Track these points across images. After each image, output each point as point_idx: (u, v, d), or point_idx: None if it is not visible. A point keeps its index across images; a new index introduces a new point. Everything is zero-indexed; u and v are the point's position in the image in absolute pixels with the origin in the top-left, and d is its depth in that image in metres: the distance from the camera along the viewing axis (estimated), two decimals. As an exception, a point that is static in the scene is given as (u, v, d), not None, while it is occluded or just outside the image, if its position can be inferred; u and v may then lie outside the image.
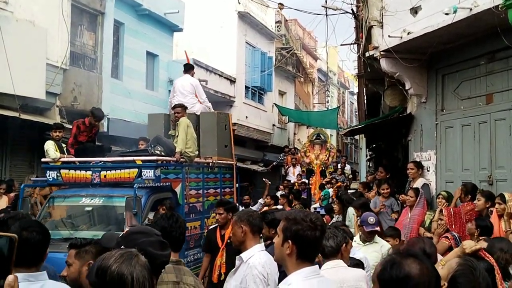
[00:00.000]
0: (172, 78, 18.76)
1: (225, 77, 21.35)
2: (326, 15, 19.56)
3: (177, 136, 9.41)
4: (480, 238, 5.68)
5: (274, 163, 23.11)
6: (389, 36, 9.58)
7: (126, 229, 5.42)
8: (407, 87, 10.38)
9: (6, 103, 11.32)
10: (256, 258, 4.25)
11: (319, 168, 18.39)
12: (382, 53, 9.90)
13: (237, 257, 4.50)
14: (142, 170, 8.38)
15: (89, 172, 8.63)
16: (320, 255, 4.29)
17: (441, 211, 7.51)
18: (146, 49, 17.73)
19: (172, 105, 10.66)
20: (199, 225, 9.61)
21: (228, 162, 11.09)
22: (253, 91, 24.39)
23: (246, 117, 23.08)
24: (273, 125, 26.54)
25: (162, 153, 9.13)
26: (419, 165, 9.47)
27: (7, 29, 11.28)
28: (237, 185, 11.36)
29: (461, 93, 9.65)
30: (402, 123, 11.22)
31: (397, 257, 2.23)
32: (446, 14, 8.07)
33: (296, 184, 17.83)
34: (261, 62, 24.38)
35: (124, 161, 8.74)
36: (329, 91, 41.22)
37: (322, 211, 13.07)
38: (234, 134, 21.90)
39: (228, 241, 6.68)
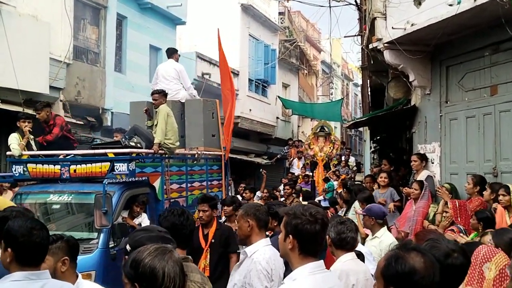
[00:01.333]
0: (176, 71, 18.78)
1: (228, 70, 21.27)
2: (330, 6, 19.48)
3: (156, 125, 8.78)
4: (486, 231, 5.67)
5: (278, 156, 23.12)
6: (392, 27, 9.53)
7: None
8: (411, 79, 10.34)
9: (10, 97, 11.34)
10: (261, 253, 4.23)
11: (323, 160, 18.37)
12: (385, 45, 9.86)
13: (241, 251, 4.51)
14: (115, 164, 7.65)
15: (58, 167, 7.82)
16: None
17: (446, 203, 7.49)
18: (149, 43, 17.71)
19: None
20: None
21: (216, 153, 10.48)
22: (257, 84, 24.36)
23: (250, 110, 23.07)
24: (277, 117, 26.51)
25: (138, 145, 8.58)
26: (422, 157, 9.43)
27: (10, 24, 11.28)
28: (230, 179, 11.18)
29: (465, 85, 9.60)
30: (406, 115, 11.17)
31: (400, 251, 2.23)
32: (450, 5, 8.04)
33: (300, 176, 17.82)
34: (264, 55, 24.34)
35: (95, 154, 7.99)
36: (333, 83, 41.15)
37: (326, 204, 13.07)
38: (237, 127, 22.19)
39: (212, 240, 6.43)
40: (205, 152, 9.93)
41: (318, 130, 19.19)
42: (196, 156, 9.72)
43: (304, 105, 27.59)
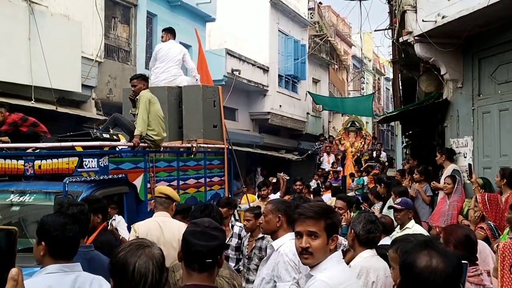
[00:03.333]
0: (206, 68, 18.90)
1: (258, 66, 21.34)
2: (360, 0, 19.41)
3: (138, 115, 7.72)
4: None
5: (309, 152, 23.09)
6: (423, 20, 9.46)
7: None
8: (442, 72, 10.25)
9: (43, 96, 11.58)
10: (287, 246, 4.28)
11: (354, 156, 18.29)
12: (416, 38, 9.80)
13: (268, 245, 4.56)
14: (83, 159, 6.62)
15: (21, 162, 6.80)
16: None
17: (476, 199, 7.42)
18: (179, 40, 17.76)
19: (155, 76, 9.37)
20: None
21: (218, 145, 9.37)
22: (287, 79, 24.35)
23: (280, 106, 23.09)
24: (307, 113, 26.46)
25: (114, 137, 7.56)
26: (445, 152, 9.35)
27: (43, 23, 11.51)
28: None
29: (498, 77, 9.48)
30: (438, 109, 11.09)
31: (417, 245, 2.30)
32: (481, -4, 7.95)
33: (331, 172, 17.79)
34: (294, 50, 24.30)
35: (61, 148, 7.01)
36: (364, 78, 40.89)
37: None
38: (267, 123, 22.23)
39: None
40: (203, 145, 8.83)
41: (349, 125, 19.17)
42: (191, 149, 8.59)
43: (334, 100, 27.50)
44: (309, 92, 25.52)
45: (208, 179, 8.90)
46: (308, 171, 22.95)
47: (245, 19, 21.43)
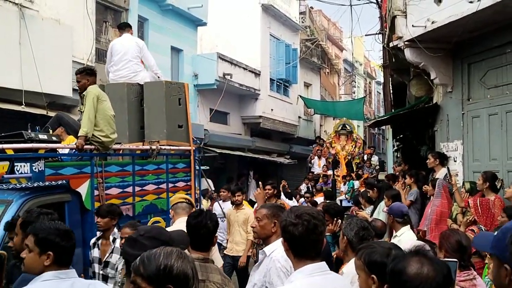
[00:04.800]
0: (197, 72, 18.90)
1: (249, 70, 21.36)
2: (351, 5, 19.43)
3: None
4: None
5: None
6: (413, 25, 9.50)
7: None
8: (432, 77, 10.29)
9: (33, 100, 11.50)
10: (279, 252, 4.25)
11: (345, 159, 18.30)
12: (406, 43, 9.84)
13: (260, 251, 4.53)
14: (15, 164, 5.79)
15: None
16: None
17: (468, 203, 7.44)
18: (171, 44, 17.83)
19: (110, 74, 8.56)
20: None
21: (183, 147, 8.43)
22: (278, 83, 24.37)
23: (272, 109, 23.10)
24: (299, 117, 26.49)
25: (54, 138, 6.82)
26: (438, 156, 9.35)
27: (33, 27, 11.45)
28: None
29: (487, 82, 9.52)
30: (428, 113, 11.12)
31: (408, 253, 2.27)
32: (471, 2, 8.00)
33: (321, 176, 17.81)
34: (285, 54, 24.34)
35: None
36: (355, 82, 40.97)
37: (348, 204, 13.03)
38: (259, 127, 22.22)
39: None
40: (165, 147, 7.93)
41: (340, 128, 19.16)
42: (150, 152, 7.67)
43: (326, 104, 27.55)
44: (300, 96, 25.54)
45: (171, 185, 7.95)
46: (300, 175, 22.97)
47: (236, 23, 21.44)
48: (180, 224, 5.31)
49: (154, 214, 7.34)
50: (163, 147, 7.89)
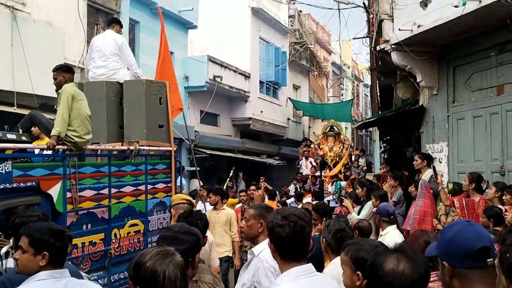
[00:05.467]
0: (188, 74, 18.86)
1: (239, 73, 21.35)
2: (339, 9, 19.46)
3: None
4: (496, 228, 5.67)
5: None
6: (399, 29, 9.54)
7: None
8: (418, 80, 10.34)
9: (25, 102, 11.43)
10: (267, 252, 4.24)
11: (332, 160, 18.31)
12: (393, 46, 9.89)
13: (248, 251, 4.52)
14: None
15: None
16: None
17: (453, 203, 7.47)
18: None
19: (89, 72, 8.09)
20: (102, 240, 6.45)
21: (163, 148, 7.93)
22: (268, 86, 24.39)
23: (261, 111, 23.10)
24: (288, 119, 26.53)
25: (23, 137, 6.51)
26: (425, 157, 9.39)
27: (25, 30, 11.39)
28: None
29: (472, 85, 9.59)
30: (414, 115, 11.17)
31: (386, 250, 2.28)
32: (456, 6, 8.04)
33: (309, 176, 17.81)
34: (275, 57, 24.36)
35: None
36: (343, 84, 41.05)
37: (336, 205, 13.03)
38: (248, 128, 22.21)
39: None
40: (144, 147, 7.44)
41: (328, 130, 19.15)
42: (127, 152, 7.19)
43: (314, 106, 27.58)
44: (289, 98, 25.57)
45: (150, 186, 7.44)
46: (289, 176, 22.98)
47: (226, 26, 21.44)
48: None
49: (131, 216, 6.98)
50: (142, 147, 7.41)
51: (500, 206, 6.53)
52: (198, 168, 18.33)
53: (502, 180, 8.15)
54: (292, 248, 2.90)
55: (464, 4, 7.85)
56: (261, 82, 23.52)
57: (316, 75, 33.61)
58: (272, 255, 3.03)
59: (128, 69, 8.19)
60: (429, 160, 9.43)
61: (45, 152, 6.14)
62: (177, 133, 17.10)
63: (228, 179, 17.36)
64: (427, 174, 8.86)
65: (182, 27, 18.91)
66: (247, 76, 21.93)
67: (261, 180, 13.81)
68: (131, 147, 7.19)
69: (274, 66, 24.20)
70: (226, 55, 20.64)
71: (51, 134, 6.15)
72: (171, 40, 18.15)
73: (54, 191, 5.84)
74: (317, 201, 9.62)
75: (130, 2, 15.47)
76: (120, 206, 6.77)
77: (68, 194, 5.97)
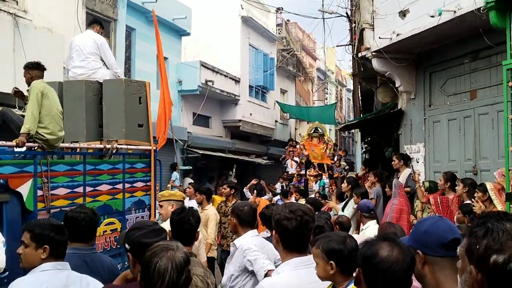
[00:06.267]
0: (181, 78, 18.80)
1: (230, 77, 21.32)
2: (323, 18, 19.54)
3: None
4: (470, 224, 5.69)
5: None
6: (379, 37, 9.57)
7: None
8: (397, 85, 10.38)
9: (27, 104, 11.35)
10: (247, 241, 4.32)
11: (317, 159, 18.28)
12: (373, 53, 9.91)
13: (231, 243, 4.57)
14: None
15: None
16: None
17: (429, 200, 7.49)
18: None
19: (69, 72, 7.66)
20: None
21: (142, 147, 7.37)
22: (257, 90, 24.37)
23: (251, 114, 23.09)
24: (276, 121, 26.53)
25: None
26: (403, 157, 9.42)
27: (27, 36, 11.29)
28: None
29: (447, 90, 9.63)
30: (393, 118, 11.21)
31: (376, 239, 2.29)
32: (432, 16, 8.07)
33: (295, 175, 17.82)
34: (263, 63, 24.35)
35: None
36: (327, 89, 41.10)
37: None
38: (238, 130, 22.19)
39: None
40: (122, 146, 6.93)
41: (312, 131, 19.15)
42: (104, 150, 6.68)
43: (300, 109, 27.59)
44: (277, 102, 25.56)
45: (128, 185, 6.95)
46: (277, 174, 22.98)
47: (218, 33, 21.40)
48: None
49: (108, 215, 6.55)
50: (119, 146, 6.87)
51: (469, 201, 6.56)
52: (191, 167, 18.41)
53: (474, 178, 8.18)
54: (296, 240, 2.95)
55: (440, 14, 7.88)
56: (250, 86, 23.50)
57: (302, 80, 33.63)
58: (274, 245, 3.07)
59: (108, 68, 7.76)
60: (406, 160, 9.46)
61: (16, 149, 5.63)
62: (170, 133, 17.08)
63: (233, 177, 17.34)
64: (405, 173, 8.90)
65: (176, 34, 18.84)
66: (237, 81, 21.90)
67: (253, 182, 13.69)
68: (108, 146, 6.69)
69: (263, 71, 24.19)
70: (217, 61, 20.61)
71: (20, 132, 5.67)
72: (166, 46, 18.08)
73: (24, 189, 5.40)
74: (309, 197, 9.71)
75: (126, 10, 15.37)
76: (96, 205, 6.19)
77: (40, 192, 5.50)
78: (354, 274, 2.24)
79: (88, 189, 6.20)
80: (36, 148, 5.71)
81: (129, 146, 7.07)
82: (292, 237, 2.94)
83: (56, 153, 6.07)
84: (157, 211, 6.22)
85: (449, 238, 2.15)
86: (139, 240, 2.94)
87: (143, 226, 3.11)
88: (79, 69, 7.48)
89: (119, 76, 7.81)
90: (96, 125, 7.19)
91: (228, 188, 8.98)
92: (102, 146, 6.68)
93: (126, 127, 7.07)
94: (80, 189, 6.10)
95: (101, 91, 7.25)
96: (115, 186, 6.71)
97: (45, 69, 6.15)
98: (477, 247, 1.60)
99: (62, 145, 6.12)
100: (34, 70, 6.09)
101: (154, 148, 7.49)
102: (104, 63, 7.70)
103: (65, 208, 5.49)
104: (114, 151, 6.71)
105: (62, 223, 3.63)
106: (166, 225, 5.26)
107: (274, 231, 3.00)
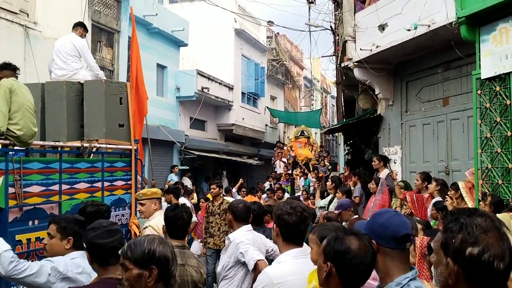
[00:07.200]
0: (179, 86, 18.77)
1: (224, 85, 21.31)
2: (310, 31, 19.61)
3: None
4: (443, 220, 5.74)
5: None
6: (360, 49, 9.60)
7: None
8: (376, 92, 10.41)
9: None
10: (240, 235, 4.32)
11: (302, 161, 18.28)
12: (355, 63, 9.94)
13: (226, 237, 4.58)
14: None
15: None
16: None
17: (405, 198, 7.52)
18: (156, 62, 17.68)
19: (51, 73, 7.29)
20: None
21: (122, 146, 6.86)
22: (248, 96, 24.36)
23: (243, 118, 23.08)
24: (266, 125, 26.52)
25: None
26: (382, 158, 9.45)
27: (36, 46, 11.25)
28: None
29: (422, 97, 9.68)
30: (373, 123, 11.24)
31: (341, 234, 2.25)
32: (409, 30, 8.12)
33: (283, 175, 17.82)
34: (255, 72, 24.35)
35: None
36: (313, 96, 41.15)
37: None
38: (232, 133, 22.17)
39: None
40: (100, 145, 6.52)
41: (299, 134, 19.18)
42: (81, 149, 6.19)
43: (288, 114, 27.61)
44: (267, 107, 25.57)
45: (107, 183, 6.50)
46: (267, 174, 22.98)
47: (213, 44, 21.40)
48: (160, 216, 5.09)
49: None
50: (97, 145, 6.44)
51: (440, 198, 6.62)
52: (188, 167, 18.38)
53: (446, 178, 8.24)
54: (295, 233, 3.00)
55: (415, 28, 7.93)
56: (242, 93, 23.49)
57: (290, 87, 33.67)
58: (273, 237, 3.11)
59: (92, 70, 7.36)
60: (385, 161, 9.49)
61: None
62: (169, 136, 17.05)
63: (225, 176, 17.23)
64: (384, 173, 8.94)
65: (174, 45, 18.81)
66: (230, 88, 21.89)
67: (240, 182, 13.63)
68: (85, 144, 6.20)
69: (254, 79, 24.18)
70: (212, 70, 20.59)
71: None
72: (165, 55, 18.12)
73: None
74: (291, 196, 9.63)
75: (129, 22, 15.32)
76: (73, 203, 5.77)
77: (12, 190, 5.04)
78: (325, 270, 2.18)
79: (65, 187, 5.74)
80: (8, 145, 5.25)
81: (108, 145, 6.61)
82: (292, 231, 2.99)
83: (30, 151, 5.66)
84: (137, 209, 6.00)
85: (402, 233, 2.17)
86: (93, 241, 2.90)
87: (98, 226, 3.01)
88: (60, 70, 7.17)
89: (100, 78, 7.35)
90: (77, 125, 6.84)
91: (217, 188, 8.62)
92: (78, 144, 6.20)
93: (107, 127, 6.69)
94: (56, 187, 5.61)
95: (82, 91, 6.85)
96: (93, 185, 6.25)
97: (17, 69, 5.72)
98: (453, 241, 1.62)
99: (36, 143, 5.72)
100: (3, 70, 5.63)
101: (135, 147, 6.98)
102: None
103: (40, 206, 5.23)
104: (92, 150, 6.26)
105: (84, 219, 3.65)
106: (152, 222, 5.27)
107: (275, 225, 3.05)
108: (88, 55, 7.39)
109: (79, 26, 7.58)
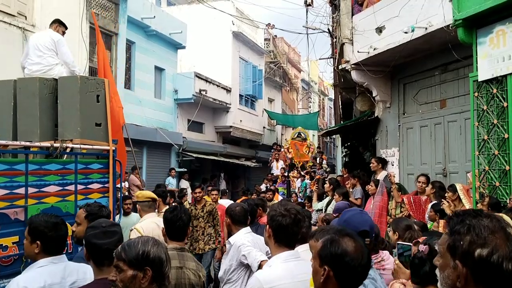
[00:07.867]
0: (177, 88, 18.76)
1: (222, 87, 21.30)
2: (307, 34, 19.60)
3: None
4: (440, 220, 5.75)
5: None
6: (358, 51, 9.61)
7: None
8: (374, 95, 10.42)
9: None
10: (241, 238, 4.30)
11: (300, 162, 18.29)
12: (352, 66, 9.95)
13: (226, 241, 4.55)
14: None
15: None
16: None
17: (402, 200, 7.51)
18: (154, 64, 17.66)
19: (25, 69, 6.92)
20: (16, 243, 4.69)
21: (99, 147, 6.21)
22: (246, 98, 24.36)
23: (241, 120, 23.06)
24: (264, 127, 26.51)
25: None
26: (380, 160, 9.44)
27: (34, 48, 11.21)
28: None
29: (419, 99, 9.69)
30: (370, 125, 11.25)
31: (335, 235, 2.20)
32: (406, 32, 8.13)
33: (280, 177, 17.81)
34: (252, 74, 24.35)
35: None
36: (311, 98, 41.17)
37: (301, 201, 13.01)
38: (229, 135, 22.15)
39: None
40: (74, 146, 5.84)
41: (296, 136, 19.18)
42: (51, 149, 5.51)
43: (286, 116, 27.62)
44: (265, 110, 25.56)
45: (82, 186, 5.86)
46: (264, 176, 22.98)
47: (211, 47, 21.40)
48: (149, 219, 5.24)
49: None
50: (70, 145, 5.82)
51: (435, 201, 6.62)
52: (186, 169, 18.34)
53: (444, 180, 8.24)
54: (288, 236, 2.95)
55: (412, 31, 7.94)
56: (240, 95, 23.48)
57: (288, 90, 33.67)
58: (265, 239, 3.04)
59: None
60: (383, 163, 9.49)
61: None
62: (167, 138, 17.02)
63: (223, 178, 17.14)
64: (382, 175, 8.94)
65: (172, 47, 18.81)
66: (228, 90, 21.89)
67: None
68: (56, 144, 5.58)
69: (252, 81, 24.18)
70: (210, 72, 20.58)
71: None
72: (163, 58, 18.10)
73: None
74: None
75: (127, 25, 15.30)
76: (41, 207, 5.22)
77: None
78: (322, 274, 2.12)
79: (32, 190, 5.16)
80: None
81: (82, 146, 5.98)
82: (285, 233, 2.94)
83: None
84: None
85: (360, 229, 2.34)
86: (89, 240, 2.89)
87: (97, 225, 2.98)
88: (35, 65, 6.80)
89: (76, 74, 6.93)
90: (51, 124, 6.28)
91: (202, 192, 8.68)
92: (48, 144, 5.56)
93: (82, 126, 6.11)
94: (21, 190, 5.05)
95: (57, 88, 6.29)
96: (65, 188, 5.65)
97: None
98: (461, 243, 1.61)
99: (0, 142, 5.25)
100: None
101: (113, 148, 6.36)
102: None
103: (3, 211, 4.70)
104: (63, 150, 5.65)
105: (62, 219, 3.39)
106: (138, 225, 5.17)
107: (268, 226, 3.00)
108: (65, 49, 6.94)
109: (55, 22, 7.26)
